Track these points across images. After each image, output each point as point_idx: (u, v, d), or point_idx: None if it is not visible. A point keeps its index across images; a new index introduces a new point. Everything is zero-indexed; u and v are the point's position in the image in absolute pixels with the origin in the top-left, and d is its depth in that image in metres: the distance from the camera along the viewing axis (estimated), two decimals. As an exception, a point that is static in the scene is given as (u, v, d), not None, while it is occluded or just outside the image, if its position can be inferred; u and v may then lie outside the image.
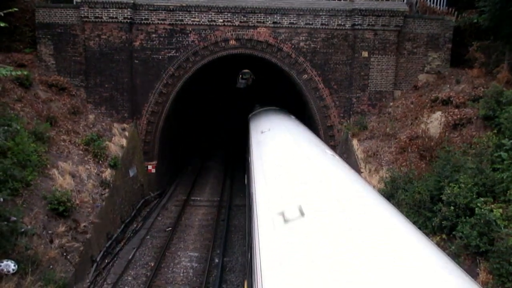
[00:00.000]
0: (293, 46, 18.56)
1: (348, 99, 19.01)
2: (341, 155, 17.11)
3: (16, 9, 10.74)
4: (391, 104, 18.64)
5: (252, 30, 18.37)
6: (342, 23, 18.37)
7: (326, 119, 19.25)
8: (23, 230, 10.17)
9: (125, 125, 18.70)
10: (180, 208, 19.46)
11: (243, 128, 22.44)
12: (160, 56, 18.52)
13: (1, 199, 10.13)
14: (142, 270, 13.97)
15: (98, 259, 13.48)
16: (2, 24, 9.27)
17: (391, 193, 12.57)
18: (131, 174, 18.07)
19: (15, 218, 10.00)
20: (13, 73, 9.69)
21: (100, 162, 15.86)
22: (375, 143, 16.48)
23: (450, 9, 19.22)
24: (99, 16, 17.80)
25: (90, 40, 18.09)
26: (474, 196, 10.12)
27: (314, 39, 18.55)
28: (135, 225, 17.51)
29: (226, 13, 18.13)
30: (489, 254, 9.03)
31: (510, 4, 13.90)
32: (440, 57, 18.76)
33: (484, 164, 10.92)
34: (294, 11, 18.17)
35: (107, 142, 16.84)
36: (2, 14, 9.38)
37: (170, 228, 17.20)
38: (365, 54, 18.47)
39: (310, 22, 18.32)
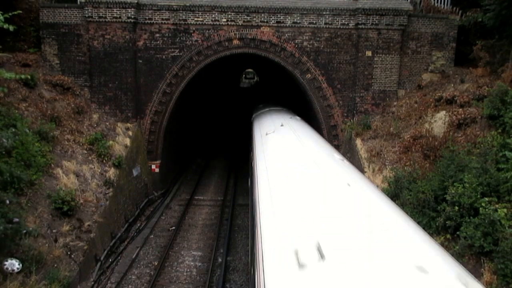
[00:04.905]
0: (296, 46, 18.54)
1: (351, 99, 18.98)
2: (344, 154, 17.09)
3: (20, 11, 10.78)
4: (395, 103, 18.59)
5: (255, 29, 18.37)
6: (346, 23, 18.34)
7: (329, 118, 19.23)
8: (25, 231, 10.19)
9: (128, 125, 18.76)
10: (184, 208, 19.49)
11: (247, 127, 22.44)
12: (164, 56, 18.56)
13: (7, 201, 10.15)
14: (146, 269, 14.01)
15: (102, 258, 13.55)
16: (11, 28, 9.29)
17: (395, 192, 12.55)
18: (135, 173, 18.13)
19: (18, 220, 10.04)
20: (17, 76, 9.75)
21: (104, 161, 15.93)
22: (379, 142, 16.44)
23: (455, 8, 19.14)
24: (103, 16, 17.86)
25: (94, 40, 18.16)
26: (479, 196, 10.09)
27: (318, 39, 18.52)
28: (138, 224, 17.57)
29: (229, 13, 18.14)
30: (493, 254, 9.01)
31: (515, 3, 13.85)
32: (444, 56, 18.69)
33: (488, 164, 10.87)
34: (297, 11, 18.15)
35: (111, 142, 16.90)
36: (9, 16, 9.43)
37: (174, 228, 17.24)
38: (368, 53, 18.43)
39: (314, 22, 18.30)
